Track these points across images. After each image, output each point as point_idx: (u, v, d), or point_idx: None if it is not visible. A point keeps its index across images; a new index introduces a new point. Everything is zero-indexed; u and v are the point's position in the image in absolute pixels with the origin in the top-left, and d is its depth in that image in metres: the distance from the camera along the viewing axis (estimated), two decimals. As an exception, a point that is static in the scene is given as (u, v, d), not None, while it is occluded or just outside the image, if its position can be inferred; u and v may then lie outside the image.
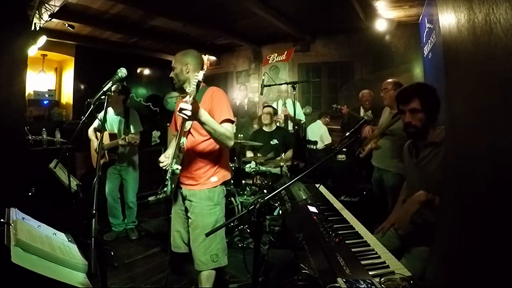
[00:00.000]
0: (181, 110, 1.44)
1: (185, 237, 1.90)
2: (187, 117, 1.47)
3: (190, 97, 1.44)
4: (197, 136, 1.82)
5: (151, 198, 4.42)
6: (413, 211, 1.44)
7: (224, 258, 1.85)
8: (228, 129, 1.71)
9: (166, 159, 1.83)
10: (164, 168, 1.82)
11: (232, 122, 1.77)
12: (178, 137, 1.77)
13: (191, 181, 1.84)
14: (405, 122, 1.55)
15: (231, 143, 1.73)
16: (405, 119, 1.53)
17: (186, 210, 1.87)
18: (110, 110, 3.07)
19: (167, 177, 1.80)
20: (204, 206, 1.81)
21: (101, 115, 2.82)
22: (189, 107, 1.43)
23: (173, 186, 1.82)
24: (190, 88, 1.47)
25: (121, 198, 3.35)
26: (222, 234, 1.88)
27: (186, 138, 1.83)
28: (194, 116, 1.50)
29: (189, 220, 1.84)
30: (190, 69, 1.85)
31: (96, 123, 3.16)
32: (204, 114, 1.57)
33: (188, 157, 1.82)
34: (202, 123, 1.59)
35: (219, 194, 1.87)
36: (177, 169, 1.74)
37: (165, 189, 1.84)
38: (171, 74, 1.88)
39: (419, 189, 1.50)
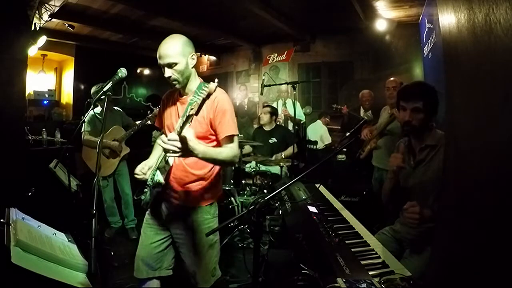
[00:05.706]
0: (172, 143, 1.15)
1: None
2: (176, 154, 1.18)
3: (181, 122, 1.15)
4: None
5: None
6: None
7: (218, 269, 1.68)
8: (232, 148, 1.47)
9: (143, 174, 1.50)
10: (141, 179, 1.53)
11: (236, 135, 1.52)
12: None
13: (184, 196, 1.57)
14: (405, 120, 1.54)
15: (235, 161, 1.54)
16: (406, 117, 1.53)
17: (169, 226, 1.64)
18: (98, 109, 3.03)
19: (147, 185, 1.55)
20: (199, 223, 1.59)
21: (87, 118, 2.84)
22: (178, 143, 1.15)
23: (150, 197, 1.55)
24: (190, 108, 1.13)
25: (115, 198, 3.35)
26: (218, 244, 1.68)
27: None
28: (186, 153, 1.21)
29: (180, 240, 1.61)
30: (195, 59, 1.52)
31: (87, 127, 3.05)
32: (198, 148, 1.27)
33: (178, 169, 1.55)
34: (200, 158, 1.32)
35: (214, 212, 1.65)
36: (159, 181, 1.46)
37: (142, 197, 1.56)
38: (171, 73, 1.44)
39: (417, 191, 1.51)
